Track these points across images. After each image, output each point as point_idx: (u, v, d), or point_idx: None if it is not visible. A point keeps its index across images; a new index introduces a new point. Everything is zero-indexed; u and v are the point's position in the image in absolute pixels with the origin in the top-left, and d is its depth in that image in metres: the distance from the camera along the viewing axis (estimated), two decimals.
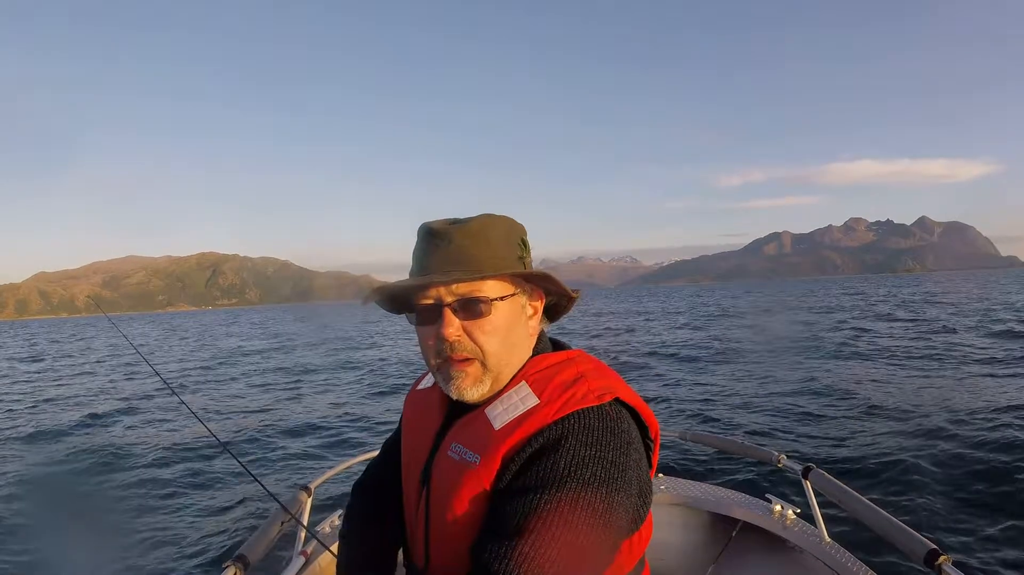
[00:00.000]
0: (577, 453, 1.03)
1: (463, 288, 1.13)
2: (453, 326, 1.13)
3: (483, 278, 1.12)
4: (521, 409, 1.11)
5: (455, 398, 1.18)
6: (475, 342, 1.14)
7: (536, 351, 1.23)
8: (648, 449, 1.18)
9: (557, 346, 1.28)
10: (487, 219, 1.17)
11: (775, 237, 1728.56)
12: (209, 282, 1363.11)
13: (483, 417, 1.14)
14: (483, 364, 1.15)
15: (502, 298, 1.15)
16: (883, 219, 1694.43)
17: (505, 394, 1.15)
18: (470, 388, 1.16)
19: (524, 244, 1.20)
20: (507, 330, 1.16)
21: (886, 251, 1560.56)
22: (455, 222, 1.16)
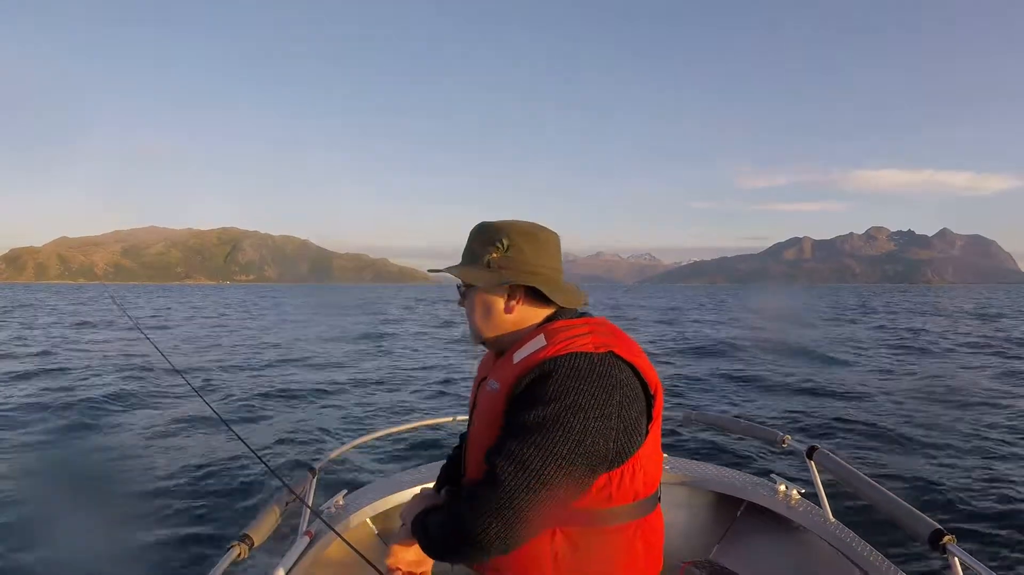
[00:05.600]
0: (563, 383, 1.34)
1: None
2: (460, 302, 1.69)
3: (451, 270, 1.64)
4: (533, 349, 1.46)
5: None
6: (466, 311, 1.66)
7: (557, 317, 1.58)
8: (649, 403, 1.45)
9: (584, 316, 1.62)
10: (480, 225, 1.63)
11: (796, 242, 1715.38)
12: (228, 257, 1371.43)
13: (510, 358, 1.51)
14: (470, 326, 1.66)
15: (467, 287, 1.63)
16: (904, 229, 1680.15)
17: (528, 342, 1.50)
18: (471, 339, 1.68)
19: (502, 244, 1.57)
20: (481, 309, 1.60)
21: (906, 261, 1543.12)
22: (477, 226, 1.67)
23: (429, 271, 1.77)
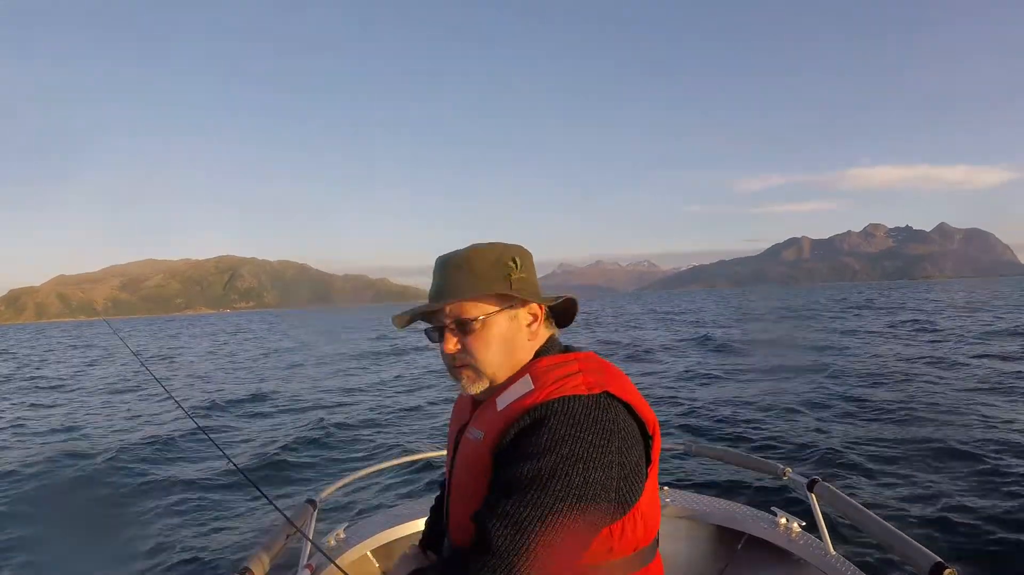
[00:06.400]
0: (557, 431, 1.21)
1: (455, 311, 1.41)
2: (451, 343, 1.42)
3: (462, 301, 1.40)
4: (519, 394, 1.33)
5: (464, 393, 1.51)
6: (469, 353, 1.41)
7: (544, 353, 1.45)
8: (647, 443, 1.35)
9: (569, 350, 1.48)
10: (473, 250, 1.44)
11: (794, 242, 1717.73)
12: (227, 285, 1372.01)
13: (492, 404, 1.38)
14: (477, 369, 1.42)
15: (487, 315, 1.41)
16: (902, 225, 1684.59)
17: (512, 385, 1.38)
18: (471, 386, 1.44)
19: (515, 263, 1.43)
20: (500, 339, 1.41)
21: (905, 257, 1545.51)
22: (452, 255, 1.46)
23: (438, 304, 1.43)
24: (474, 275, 1.41)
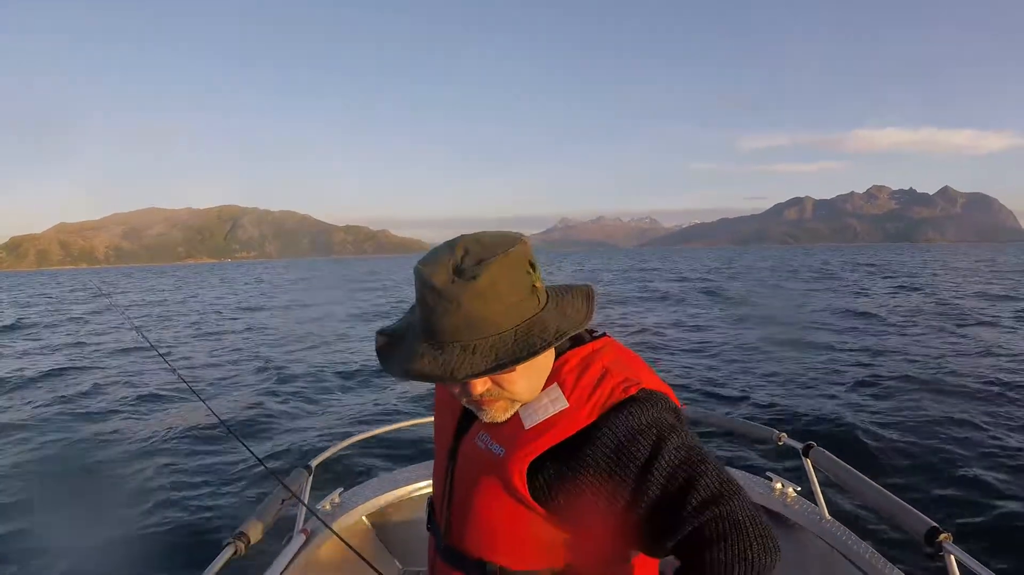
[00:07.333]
0: (642, 422, 1.11)
1: None
2: (479, 385, 1.14)
3: (510, 368, 1.08)
4: (551, 411, 1.15)
5: (488, 421, 1.22)
6: (503, 389, 1.15)
7: (561, 349, 1.23)
8: None
9: (578, 336, 1.27)
10: (490, 269, 1.05)
11: (797, 202, 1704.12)
12: (228, 235, 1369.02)
13: (515, 416, 1.19)
14: (512, 400, 1.18)
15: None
16: (906, 187, 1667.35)
17: (538, 399, 1.19)
18: (500, 416, 1.19)
19: (532, 266, 1.12)
20: (530, 367, 1.15)
21: (907, 220, 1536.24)
22: (459, 273, 1.06)
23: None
24: (502, 302, 1.08)
